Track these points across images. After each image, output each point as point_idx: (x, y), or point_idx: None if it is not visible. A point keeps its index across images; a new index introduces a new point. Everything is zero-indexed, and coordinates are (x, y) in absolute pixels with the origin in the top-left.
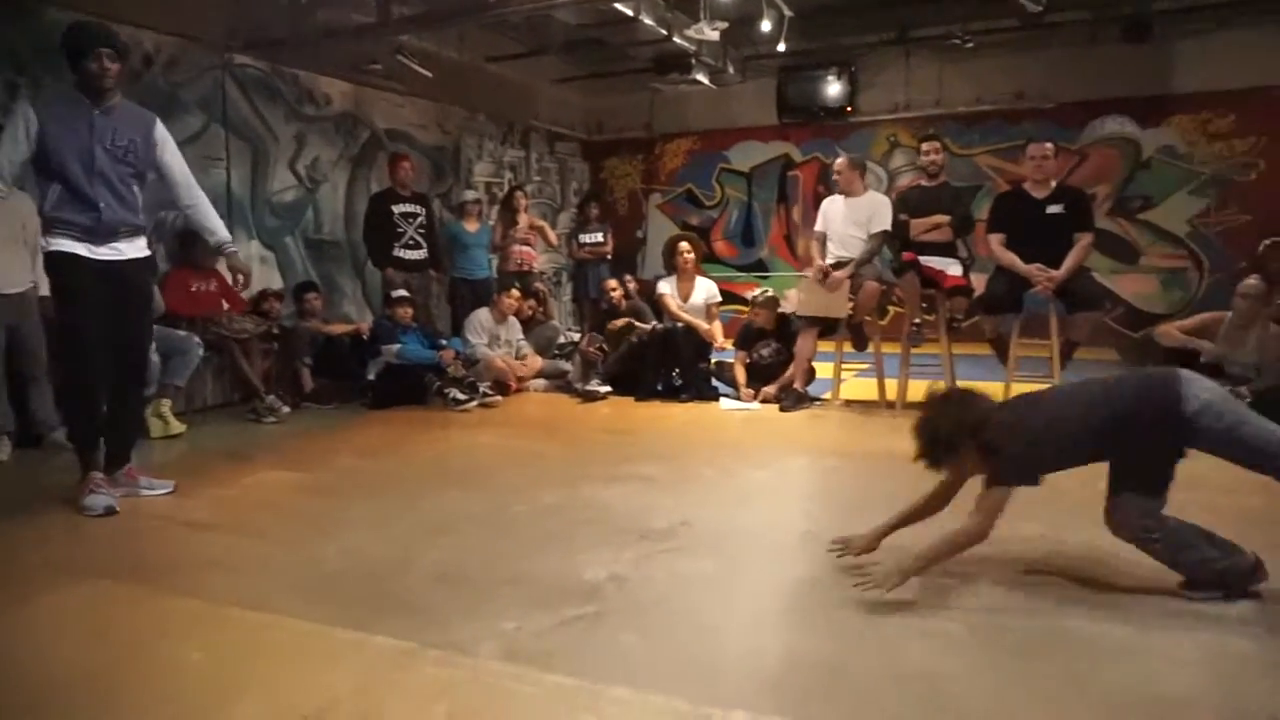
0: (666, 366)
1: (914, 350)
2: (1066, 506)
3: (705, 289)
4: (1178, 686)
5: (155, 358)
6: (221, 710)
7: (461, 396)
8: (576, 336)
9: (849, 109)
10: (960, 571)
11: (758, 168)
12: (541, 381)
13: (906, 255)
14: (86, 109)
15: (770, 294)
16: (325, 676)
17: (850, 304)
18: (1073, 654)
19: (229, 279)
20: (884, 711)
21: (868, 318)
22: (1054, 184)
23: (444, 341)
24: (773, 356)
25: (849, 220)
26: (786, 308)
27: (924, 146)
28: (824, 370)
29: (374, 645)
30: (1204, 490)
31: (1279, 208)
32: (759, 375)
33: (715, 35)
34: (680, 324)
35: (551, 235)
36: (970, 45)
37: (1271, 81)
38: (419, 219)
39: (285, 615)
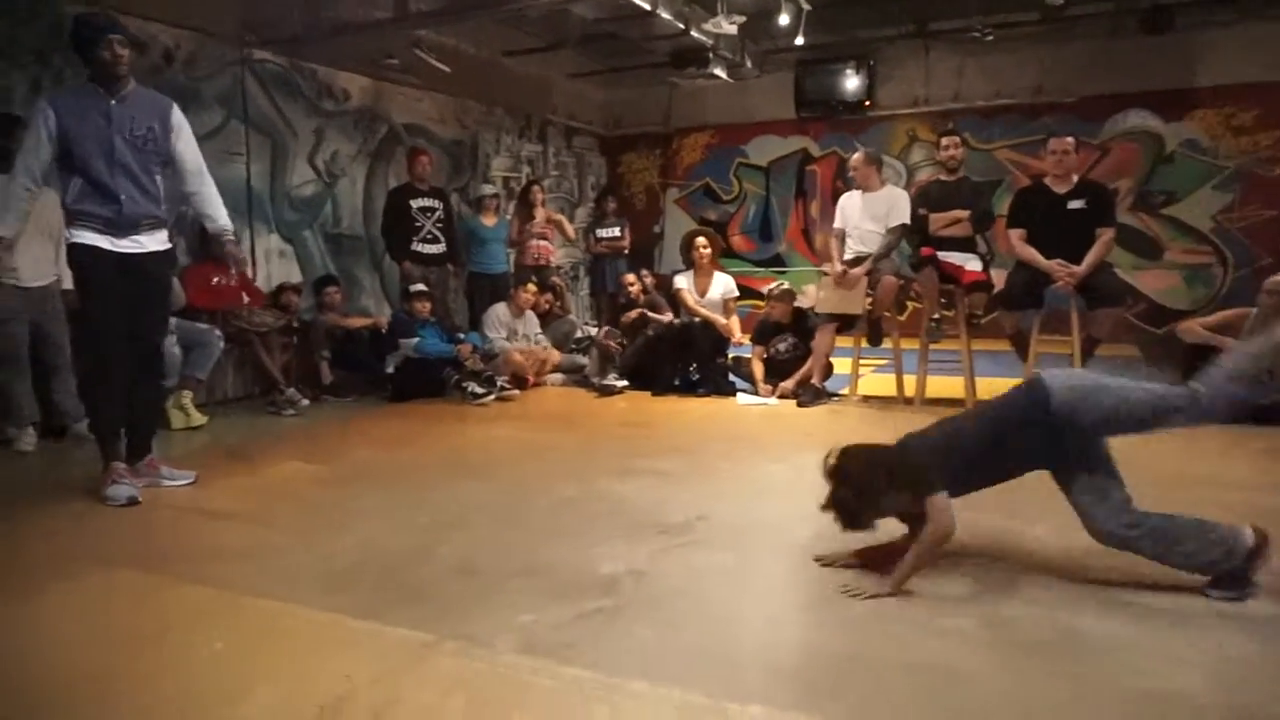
0: (684, 361)
1: (933, 346)
2: None
3: (723, 284)
4: (1187, 686)
5: (177, 350)
6: (239, 698)
7: (479, 390)
8: (593, 331)
9: (867, 103)
10: (973, 570)
11: (775, 162)
12: (558, 376)
13: (925, 250)
14: (102, 99)
15: (786, 286)
16: (342, 667)
17: (869, 299)
18: (1083, 652)
19: (232, 268)
20: (898, 705)
21: (886, 313)
22: (1075, 179)
23: (461, 336)
24: (790, 351)
25: (866, 215)
26: (804, 303)
27: (943, 141)
28: (842, 366)
29: (391, 636)
30: (1214, 488)
31: None
32: (776, 370)
33: (733, 29)
34: (698, 319)
35: (569, 230)
36: (990, 39)
37: None
38: (437, 213)
39: (303, 605)
